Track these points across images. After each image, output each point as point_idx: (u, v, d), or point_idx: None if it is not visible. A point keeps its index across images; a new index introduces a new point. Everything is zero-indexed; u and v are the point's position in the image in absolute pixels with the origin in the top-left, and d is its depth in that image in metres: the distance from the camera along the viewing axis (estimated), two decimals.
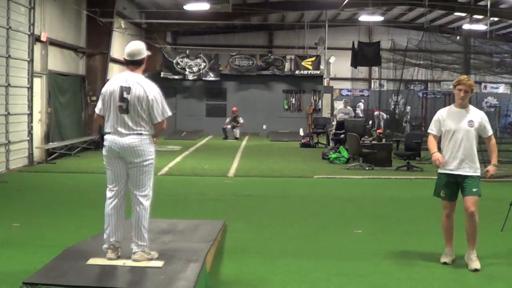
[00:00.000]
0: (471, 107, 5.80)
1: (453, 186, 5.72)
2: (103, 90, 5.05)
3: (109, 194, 5.06)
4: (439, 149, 5.86)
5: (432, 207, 9.38)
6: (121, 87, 4.92)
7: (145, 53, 5.06)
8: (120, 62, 19.64)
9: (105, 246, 5.00)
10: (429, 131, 5.93)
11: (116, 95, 4.92)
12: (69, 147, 16.13)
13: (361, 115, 27.20)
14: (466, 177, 5.65)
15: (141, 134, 4.93)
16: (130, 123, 4.91)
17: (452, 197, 5.77)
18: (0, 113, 12.49)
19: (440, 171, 5.80)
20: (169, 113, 5.04)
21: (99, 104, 5.07)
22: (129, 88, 4.90)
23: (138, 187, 4.97)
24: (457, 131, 5.67)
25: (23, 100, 13.53)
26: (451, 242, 5.88)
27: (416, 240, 7.00)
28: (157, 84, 5.08)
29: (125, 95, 4.89)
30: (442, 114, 5.83)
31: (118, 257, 4.96)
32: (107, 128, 5.00)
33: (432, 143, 5.83)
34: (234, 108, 24.33)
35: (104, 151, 5.04)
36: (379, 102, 23.05)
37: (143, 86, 4.92)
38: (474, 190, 5.61)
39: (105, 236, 5.02)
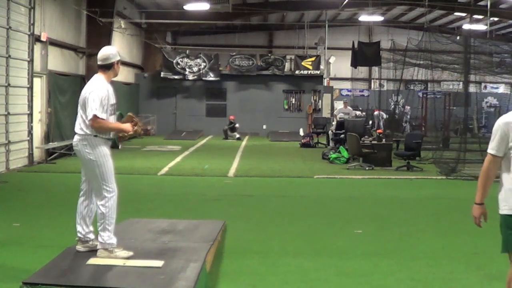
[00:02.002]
0: None
1: None
2: None
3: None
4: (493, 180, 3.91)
5: (432, 207, 9.41)
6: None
7: (114, 58, 5.18)
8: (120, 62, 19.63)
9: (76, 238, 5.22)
10: (489, 151, 3.85)
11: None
12: (69, 147, 16.06)
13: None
14: None
15: (79, 134, 5.05)
16: (77, 122, 5.09)
17: None
18: (0, 113, 12.49)
19: (505, 212, 3.90)
20: (94, 112, 4.87)
21: None
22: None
23: (92, 186, 5.12)
24: None
25: (23, 100, 13.52)
26: None
27: (416, 240, 7.01)
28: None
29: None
30: (510, 121, 3.84)
31: (91, 250, 5.07)
32: None
33: (487, 177, 3.81)
34: (232, 117, 24.51)
35: None
36: (379, 102, 23.00)
37: (88, 86, 5.07)
38: None
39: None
